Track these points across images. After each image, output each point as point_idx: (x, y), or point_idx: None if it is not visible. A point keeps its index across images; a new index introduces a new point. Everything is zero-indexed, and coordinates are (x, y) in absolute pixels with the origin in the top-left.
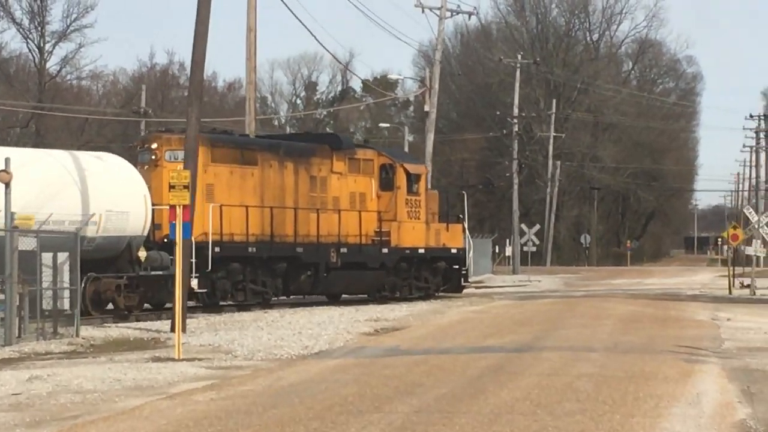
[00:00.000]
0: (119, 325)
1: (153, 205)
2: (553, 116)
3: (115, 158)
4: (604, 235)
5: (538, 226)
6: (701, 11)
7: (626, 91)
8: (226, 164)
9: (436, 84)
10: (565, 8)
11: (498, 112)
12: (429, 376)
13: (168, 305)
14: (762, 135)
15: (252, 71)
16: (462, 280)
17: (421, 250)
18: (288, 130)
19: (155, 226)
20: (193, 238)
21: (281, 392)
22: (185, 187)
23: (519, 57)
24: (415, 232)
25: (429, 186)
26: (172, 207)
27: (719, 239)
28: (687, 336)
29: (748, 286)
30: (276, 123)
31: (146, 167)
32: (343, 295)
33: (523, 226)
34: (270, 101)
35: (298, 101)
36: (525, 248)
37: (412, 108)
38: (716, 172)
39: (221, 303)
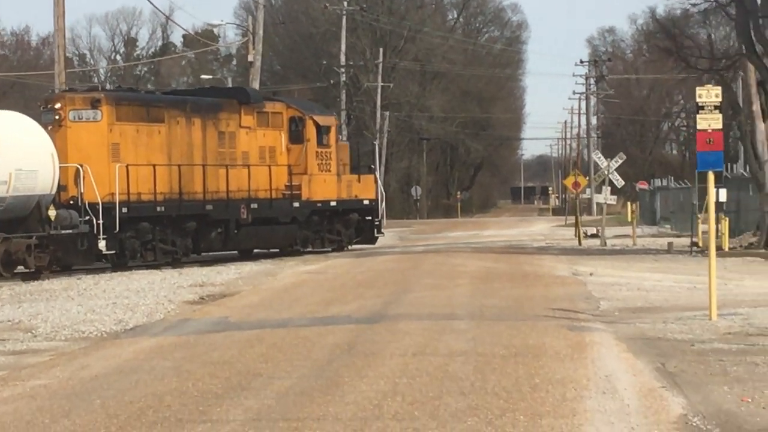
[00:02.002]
0: None
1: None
2: (380, 66)
3: (21, 116)
4: (434, 186)
5: None
6: None
7: (455, 36)
8: (132, 122)
9: (260, 30)
10: None
11: (324, 62)
12: (267, 362)
13: (77, 267)
14: (592, 81)
15: (60, 17)
16: (375, 231)
17: (333, 203)
18: (108, 86)
19: (61, 187)
20: (99, 199)
21: (81, 389)
22: None
23: (345, 4)
24: (326, 185)
25: (340, 137)
26: None
27: (550, 188)
28: (556, 296)
29: (594, 235)
30: (95, 79)
31: (50, 128)
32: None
33: None
34: (89, 58)
35: (118, 57)
36: None
37: (234, 62)
38: (542, 119)
39: (130, 264)
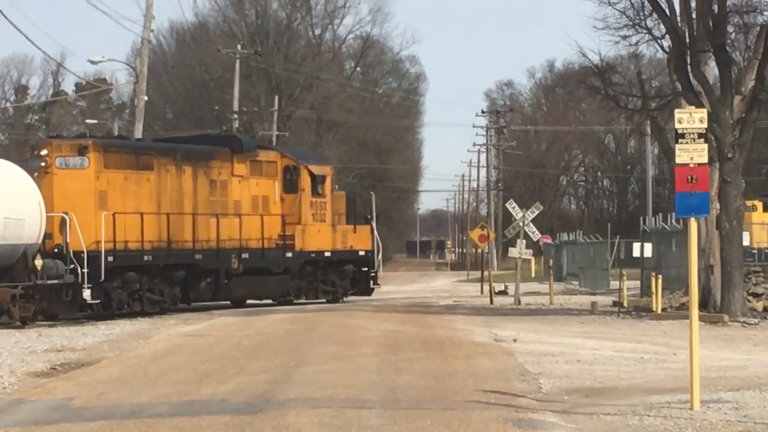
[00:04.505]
0: None
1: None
2: (275, 114)
3: (8, 164)
4: None
5: None
6: (426, 7)
7: (354, 84)
8: (120, 170)
9: (145, 68)
10: (286, 1)
11: (216, 107)
12: None
13: (62, 317)
14: (492, 132)
15: None
16: (371, 282)
17: (328, 254)
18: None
19: (46, 235)
20: (85, 247)
21: None
22: None
23: (239, 47)
24: (320, 235)
25: (336, 187)
26: None
27: (448, 242)
28: (483, 371)
29: (501, 292)
30: None
31: (36, 174)
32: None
33: None
34: None
35: (8, 105)
36: None
37: (128, 111)
38: (440, 171)
39: (116, 313)
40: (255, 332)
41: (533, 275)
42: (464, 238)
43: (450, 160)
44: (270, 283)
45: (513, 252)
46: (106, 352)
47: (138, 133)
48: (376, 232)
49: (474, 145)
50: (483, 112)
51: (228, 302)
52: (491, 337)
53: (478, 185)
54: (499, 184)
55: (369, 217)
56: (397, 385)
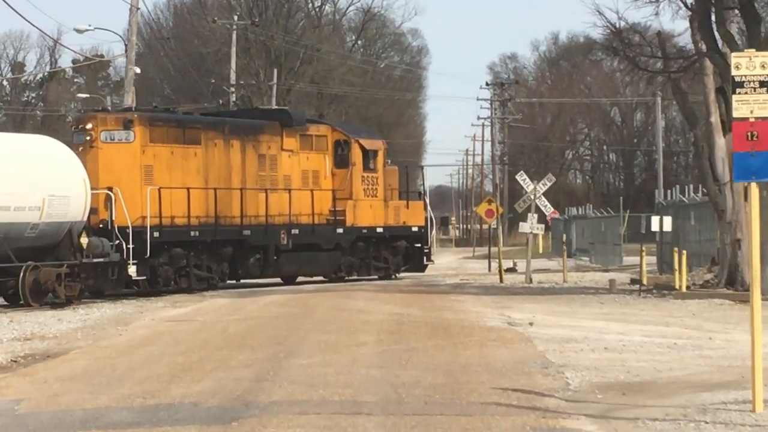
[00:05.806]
0: None
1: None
2: (274, 87)
3: (52, 140)
4: None
5: None
6: None
7: (355, 56)
8: (166, 144)
9: (134, 36)
10: None
11: (213, 81)
12: None
13: (108, 293)
14: (496, 105)
15: None
16: (425, 259)
17: (380, 229)
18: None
19: (91, 210)
20: (130, 223)
21: None
22: None
23: (235, 18)
24: (372, 211)
25: (388, 161)
26: None
27: (452, 218)
28: (500, 362)
29: (510, 269)
30: None
31: (81, 149)
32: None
33: None
34: None
35: (5, 83)
36: None
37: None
38: (443, 146)
39: (163, 290)
40: (245, 317)
41: (541, 251)
42: (468, 214)
43: (454, 135)
44: (320, 259)
45: (524, 227)
46: (78, 341)
47: (128, 104)
48: (429, 207)
49: (478, 118)
50: (487, 84)
51: (278, 279)
52: (505, 321)
53: (482, 159)
54: (505, 158)
55: (421, 192)
56: (401, 383)
